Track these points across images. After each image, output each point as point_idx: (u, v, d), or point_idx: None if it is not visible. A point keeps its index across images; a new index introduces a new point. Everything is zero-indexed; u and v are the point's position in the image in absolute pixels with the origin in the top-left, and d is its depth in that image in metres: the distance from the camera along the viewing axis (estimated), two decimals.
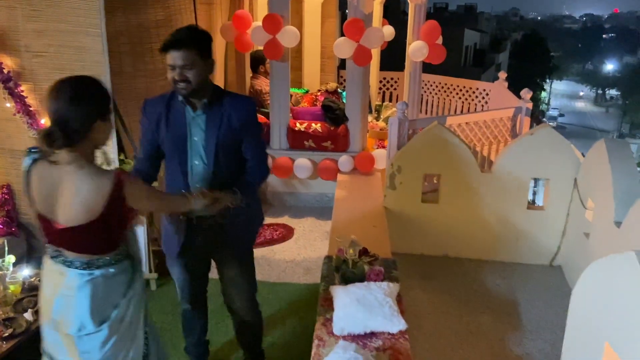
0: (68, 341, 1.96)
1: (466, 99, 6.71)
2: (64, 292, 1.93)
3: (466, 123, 4.68)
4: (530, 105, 5.11)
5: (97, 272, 1.93)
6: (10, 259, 3.35)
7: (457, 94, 6.78)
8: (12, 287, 3.22)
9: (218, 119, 2.31)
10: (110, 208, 1.84)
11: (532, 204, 4.22)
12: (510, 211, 4.12)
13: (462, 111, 6.59)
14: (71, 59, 3.54)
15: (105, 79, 3.54)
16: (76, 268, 1.92)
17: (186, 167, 2.37)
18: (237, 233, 2.52)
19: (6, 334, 2.89)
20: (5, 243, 3.55)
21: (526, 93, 5.08)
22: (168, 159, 2.43)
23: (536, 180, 4.21)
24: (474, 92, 6.63)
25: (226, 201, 2.25)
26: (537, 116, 31.29)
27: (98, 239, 1.91)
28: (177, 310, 3.48)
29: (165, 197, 2.27)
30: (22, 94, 3.63)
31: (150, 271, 3.73)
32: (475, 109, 6.53)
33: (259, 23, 4.87)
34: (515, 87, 5.23)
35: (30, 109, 3.65)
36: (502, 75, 6.30)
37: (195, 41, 2.22)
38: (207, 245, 2.52)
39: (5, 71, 3.57)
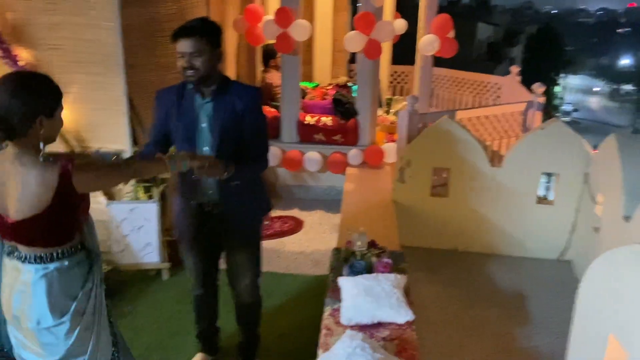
0: (29, 335, 1.96)
1: (477, 93, 6.69)
2: (20, 288, 1.93)
3: (477, 117, 4.68)
4: (542, 99, 5.09)
5: (51, 266, 1.92)
6: None
7: (469, 88, 6.76)
8: None
9: (224, 106, 2.40)
10: (59, 199, 1.82)
11: (545, 200, 4.21)
12: (520, 206, 4.12)
13: (473, 105, 6.57)
14: (86, 51, 3.61)
15: (120, 72, 3.61)
16: (30, 263, 1.91)
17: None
18: (242, 219, 2.61)
19: None
20: None
21: (538, 87, 5.06)
22: (179, 147, 2.50)
23: (549, 175, 4.20)
24: (485, 86, 6.61)
25: (217, 168, 2.26)
26: (549, 111, 30.97)
27: (49, 231, 1.89)
28: (189, 300, 3.55)
29: (128, 166, 2.13)
30: None
31: (163, 261, 3.80)
32: (487, 103, 6.51)
33: (271, 17, 4.90)
34: (528, 82, 5.21)
35: None
36: (514, 69, 6.26)
37: (204, 30, 2.30)
38: (216, 232, 2.61)
39: (21, 63, 3.64)
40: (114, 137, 3.76)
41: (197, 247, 2.69)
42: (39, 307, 1.90)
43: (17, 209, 1.83)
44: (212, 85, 2.39)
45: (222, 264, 2.81)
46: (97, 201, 3.69)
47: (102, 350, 2.06)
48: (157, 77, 4.20)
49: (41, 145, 1.82)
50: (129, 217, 3.72)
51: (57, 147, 3.73)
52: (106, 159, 2.36)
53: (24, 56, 3.66)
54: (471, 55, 24.59)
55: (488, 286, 3.81)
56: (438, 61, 5.94)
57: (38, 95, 1.80)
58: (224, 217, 2.56)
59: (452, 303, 3.58)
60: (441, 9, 5.71)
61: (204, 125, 2.42)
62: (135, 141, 3.85)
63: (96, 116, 3.75)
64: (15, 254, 1.94)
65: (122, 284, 3.72)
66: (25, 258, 1.91)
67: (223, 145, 2.42)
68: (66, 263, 1.94)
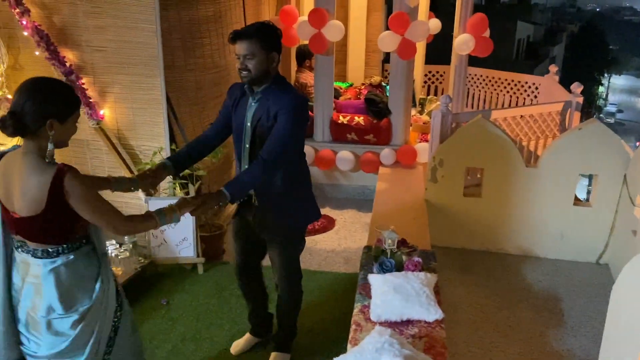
0: (38, 325, 2.01)
1: (514, 93, 6.57)
2: (32, 280, 1.99)
3: (512, 117, 4.62)
4: (580, 99, 4.97)
5: (58, 261, 1.97)
6: None
7: (505, 87, 6.65)
8: None
9: (263, 107, 2.50)
10: (53, 201, 1.86)
11: (586, 202, 4.12)
12: (556, 207, 4.05)
13: (510, 105, 6.46)
14: (128, 53, 3.75)
15: (159, 73, 3.73)
16: (38, 257, 1.97)
17: (240, 151, 2.62)
18: (276, 219, 2.69)
19: None
20: None
21: (576, 87, 4.95)
22: (234, 143, 2.68)
23: (590, 177, 4.11)
24: (522, 86, 6.49)
25: (209, 204, 2.28)
26: (591, 112, 30.00)
27: (49, 230, 1.93)
28: (223, 294, 3.67)
29: (116, 215, 1.98)
30: (82, 86, 3.86)
31: (198, 255, 3.90)
32: (524, 103, 6.39)
33: (305, 18, 4.96)
34: (570, 82, 5.07)
35: (90, 100, 3.88)
36: (553, 68, 6.13)
37: (258, 34, 2.41)
38: (256, 225, 2.74)
39: (67, 64, 3.81)
40: (152, 135, 3.90)
41: (239, 240, 2.90)
42: (49, 298, 1.97)
43: (19, 207, 1.90)
44: (262, 87, 2.50)
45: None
46: (137, 196, 3.83)
47: (102, 345, 2.08)
48: (194, 77, 4.33)
49: (50, 146, 1.89)
50: None
51: (101, 146, 3.90)
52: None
53: (69, 57, 3.83)
54: (511, 55, 24.07)
55: (522, 288, 3.76)
56: (475, 61, 5.87)
57: (53, 100, 1.88)
58: (263, 212, 2.69)
59: (484, 304, 3.55)
60: (479, 8, 5.67)
61: (249, 124, 2.55)
62: (173, 139, 3.97)
63: (136, 115, 3.89)
64: (24, 248, 2.00)
65: (159, 277, 3.84)
66: (34, 252, 1.98)
67: (256, 146, 2.54)
68: (72, 257, 1.99)
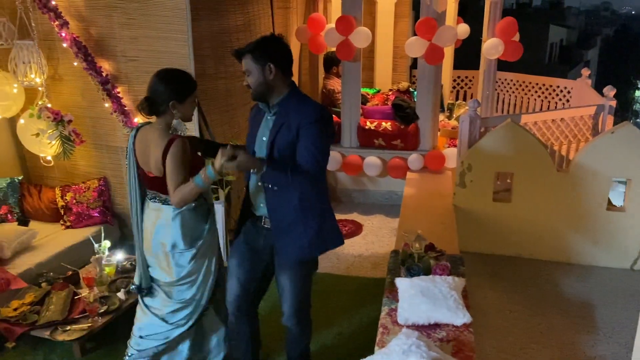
0: (164, 258, 2.62)
1: (545, 97, 6.48)
2: (163, 222, 2.58)
3: (543, 121, 4.56)
4: (613, 102, 4.87)
5: (183, 207, 2.54)
6: (106, 244, 3.72)
7: (537, 92, 6.56)
8: (107, 269, 3.58)
9: (281, 121, 2.40)
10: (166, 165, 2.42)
11: (620, 207, 4.03)
12: (588, 212, 3.97)
13: (541, 109, 6.37)
14: (161, 63, 3.86)
15: None
16: (169, 204, 2.54)
17: None
18: (286, 245, 2.51)
19: (102, 310, 3.23)
20: (102, 230, 3.94)
21: (609, 90, 4.85)
22: None
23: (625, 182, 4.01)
24: (554, 90, 6.39)
25: (248, 164, 2.33)
26: (627, 116, 29.11)
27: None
28: None
29: (177, 184, 2.45)
30: (118, 95, 4.00)
31: (228, 260, 3.97)
32: (555, 107, 6.29)
33: (333, 25, 5.02)
34: (605, 86, 4.97)
35: (125, 108, 4.02)
36: (585, 72, 6.02)
37: (252, 48, 2.35)
38: (267, 249, 2.61)
39: (104, 74, 3.96)
40: None
41: (241, 269, 2.67)
42: (176, 236, 2.57)
43: (153, 168, 2.49)
44: (274, 100, 2.43)
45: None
46: None
47: (211, 274, 2.71)
48: (224, 85, 4.43)
49: (175, 122, 2.56)
50: None
51: None
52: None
53: (105, 67, 3.98)
54: (543, 59, 23.63)
55: (553, 294, 3.69)
56: (505, 65, 5.81)
57: (173, 85, 2.45)
58: (273, 235, 2.52)
59: (514, 309, 3.50)
60: (510, 13, 5.63)
61: (264, 139, 2.46)
62: None
63: None
64: (157, 199, 2.59)
65: None
66: (165, 200, 2.56)
67: (272, 159, 2.40)
68: (193, 205, 2.58)
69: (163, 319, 2.70)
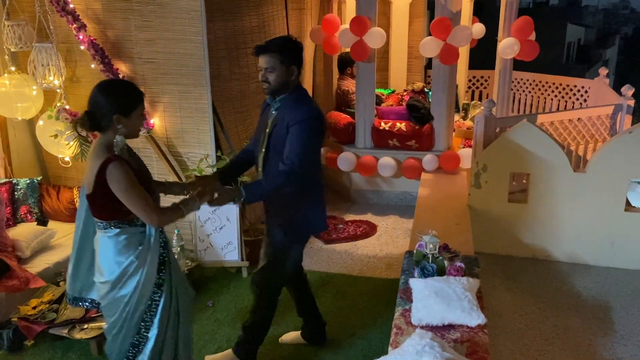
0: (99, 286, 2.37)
1: (562, 97, 6.40)
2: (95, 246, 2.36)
3: (560, 121, 4.50)
4: (632, 102, 4.80)
5: (108, 232, 2.27)
6: None
7: (553, 91, 6.49)
8: None
9: (281, 117, 2.61)
10: (98, 186, 2.18)
11: (638, 208, 3.97)
12: (606, 213, 3.92)
13: (557, 109, 6.30)
14: (176, 64, 3.91)
15: (206, 83, 3.87)
16: (98, 227, 2.31)
17: (257, 156, 2.74)
18: (274, 229, 2.80)
19: None
20: None
21: (627, 89, 4.78)
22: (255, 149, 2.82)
23: None
24: (571, 90, 6.31)
25: (226, 198, 2.49)
26: None
27: (98, 208, 2.27)
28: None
29: (149, 206, 2.22)
30: None
31: (242, 259, 4.00)
32: (572, 106, 6.21)
33: (347, 26, 5.02)
34: (623, 85, 4.90)
35: None
36: (603, 71, 5.93)
37: (280, 49, 2.54)
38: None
39: (120, 76, 4.01)
40: (199, 142, 4.04)
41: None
42: (98, 263, 2.32)
43: (85, 185, 2.25)
44: (282, 96, 2.61)
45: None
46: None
47: (135, 315, 2.33)
48: (239, 86, 4.46)
49: (117, 138, 2.20)
50: (212, 217, 3.97)
51: (151, 153, 4.06)
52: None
53: (122, 70, 4.03)
54: (560, 58, 23.33)
55: (570, 295, 3.65)
56: (522, 65, 5.75)
57: (115, 97, 2.19)
58: (268, 220, 2.87)
59: (530, 311, 3.47)
60: (527, 11, 5.59)
61: (267, 130, 2.67)
62: (218, 146, 4.09)
63: (184, 123, 4.04)
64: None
65: (205, 280, 3.96)
66: (96, 223, 2.31)
67: (270, 153, 2.65)
68: (116, 231, 2.26)
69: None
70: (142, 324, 2.34)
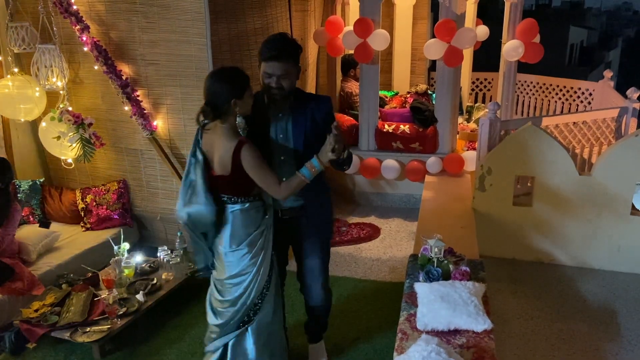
0: (219, 256, 2.60)
1: (567, 100, 6.37)
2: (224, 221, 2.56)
3: (564, 124, 4.48)
4: (637, 105, 4.77)
5: (237, 207, 2.51)
6: (125, 246, 3.75)
7: (557, 94, 6.46)
8: (126, 271, 3.61)
9: (304, 117, 2.56)
10: (235, 165, 2.39)
11: None
12: (611, 217, 3.89)
13: (562, 112, 6.27)
14: (180, 66, 3.90)
15: None
16: (227, 203, 2.52)
17: (285, 163, 2.60)
18: (317, 225, 2.73)
19: (121, 312, 3.26)
20: (121, 232, 3.97)
21: (633, 92, 4.75)
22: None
23: None
24: (575, 92, 6.29)
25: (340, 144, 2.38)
26: None
27: (234, 186, 2.48)
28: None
29: (274, 182, 2.42)
30: (137, 98, 4.04)
31: None
32: (577, 109, 6.19)
33: (350, 28, 5.00)
34: (627, 88, 4.87)
35: (145, 111, 4.05)
36: (608, 73, 5.91)
37: (292, 53, 2.49)
38: (288, 237, 2.75)
39: (124, 78, 4.00)
40: None
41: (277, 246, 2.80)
42: (226, 235, 2.54)
43: (216, 168, 2.47)
44: (288, 100, 2.54)
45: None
46: None
47: (262, 275, 2.58)
48: None
49: (238, 120, 2.48)
50: None
51: (154, 155, 4.05)
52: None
53: (125, 71, 4.02)
54: (563, 61, 23.30)
55: (576, 300, 3.62)
56: (525, 67, 5.73)
57: (230, 83, 2.39)
58: (298, 222, 2.70)
59: (536, 315, 3.44)
60: (530, 14, 5.57)
61: (282, 136, 2.57)
62: None
63: (187, 125, 4.02)
64: (224, 197, 2.54)
65: (207, 284, 3.91)
66: (226, 200, 2.53)
67: (305, 154, 2.51)
68: (247, 205, 2.52)
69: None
70: (266, 283, 2.60)
